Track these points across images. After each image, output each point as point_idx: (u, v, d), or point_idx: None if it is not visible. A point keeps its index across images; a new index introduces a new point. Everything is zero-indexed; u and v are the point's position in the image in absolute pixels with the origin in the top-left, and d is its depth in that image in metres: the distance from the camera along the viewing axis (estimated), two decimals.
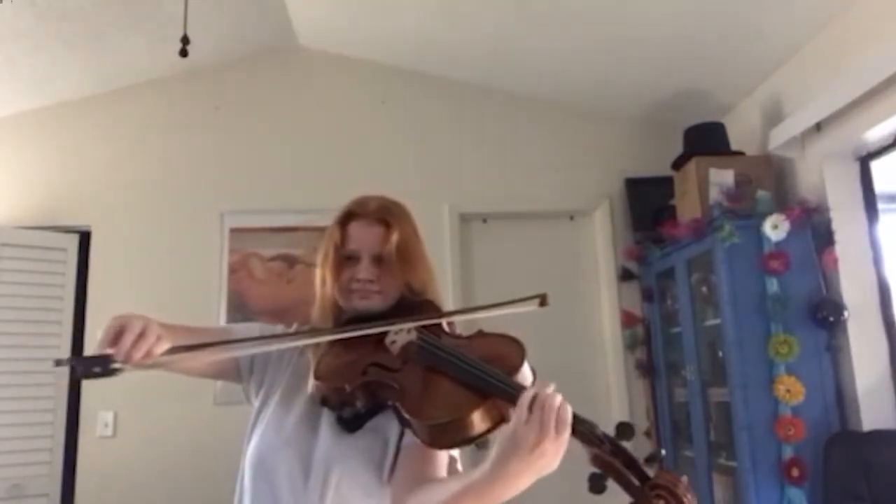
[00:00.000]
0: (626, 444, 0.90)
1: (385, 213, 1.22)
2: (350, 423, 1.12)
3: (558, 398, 0.88)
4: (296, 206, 3.32)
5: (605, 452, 0.88)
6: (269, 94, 3.54)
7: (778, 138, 2.76)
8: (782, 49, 2.78)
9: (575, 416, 0.89)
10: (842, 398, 2.47)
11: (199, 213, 3.36)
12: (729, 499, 2.70)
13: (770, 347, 2.48)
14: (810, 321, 2.50)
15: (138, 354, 0.95)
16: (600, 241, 3.48)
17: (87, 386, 3.15)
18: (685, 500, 0.85)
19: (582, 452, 0.90)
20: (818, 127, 2.59)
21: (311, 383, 1.11)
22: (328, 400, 1.11)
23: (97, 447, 3.10)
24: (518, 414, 0.87)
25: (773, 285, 2.53)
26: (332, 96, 3.56)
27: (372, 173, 3.40)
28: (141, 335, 0.96)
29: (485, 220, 3.54)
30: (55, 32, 2.88)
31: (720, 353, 2.77)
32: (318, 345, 1.16)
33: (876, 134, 2.41)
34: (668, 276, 3.15)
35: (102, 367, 0.91)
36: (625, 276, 3.40)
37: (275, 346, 1.20)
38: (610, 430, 0.91)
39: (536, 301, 1.12)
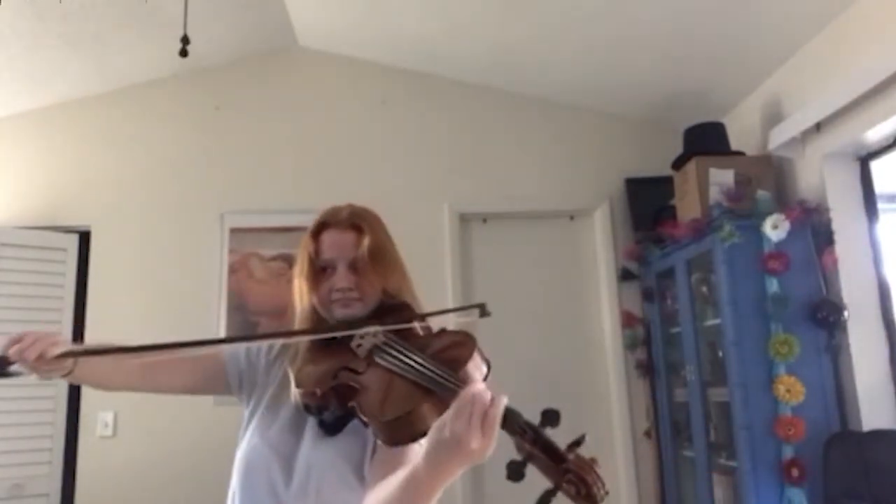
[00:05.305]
0: (552, 431, 0.88)
1: (356, 219, 1.23)
2: (331, 427, 1.14)
3: (488, 397, 0.88)
4: (296, 206, 3.32)
5: (527, 441, 0.87)
6: (269, 94, 3.54)
7: (778, 138, 2.76)
8: (782, 49, 2.78)
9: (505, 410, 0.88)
10: (842, 398, 2.47)
11: (199, 213, 3.36)
12: (729, 499, 2.70)
13: (770, 347, 2.48)
14: (810, 321, 2.50)
15: (32, 355, 1.01)
16: (600, 241, 3.48)
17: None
18: (594, 489, 0.82)
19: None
20: (818, 127, 2.59)
21: (292, 391, 1.14)
22: (307, 406, 1.13)
23: (97, 447, 3.10)
24: (451, 409, 0.88)
25: (773, 285, 2.53)
26: (332, 96, 3.56)
27: (372, 173, 3.41)
28: (38, 339, 1.02)
29: (485, 220, 3.54)
30: (55, 32, 2.89)
31: (720, 353, 2.77)
32: (297, 355, 1.18)
33: (876, 134, 2.41)
34: (668, 276, 3.15)
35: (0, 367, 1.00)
36: (625, 276, 3.40)
37: (203, 350, 1.20)
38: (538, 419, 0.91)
39: (476, 312, 1.15)
